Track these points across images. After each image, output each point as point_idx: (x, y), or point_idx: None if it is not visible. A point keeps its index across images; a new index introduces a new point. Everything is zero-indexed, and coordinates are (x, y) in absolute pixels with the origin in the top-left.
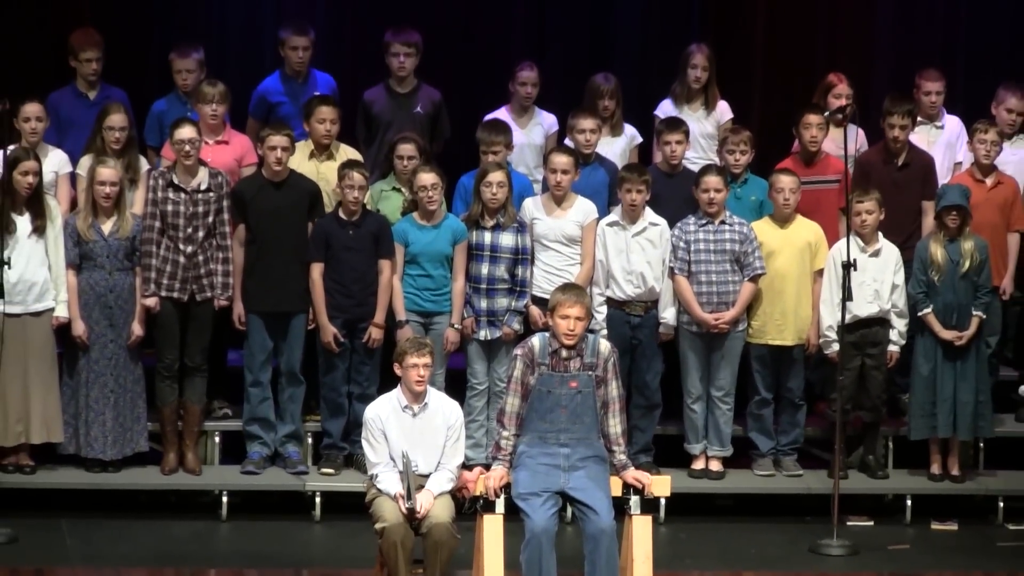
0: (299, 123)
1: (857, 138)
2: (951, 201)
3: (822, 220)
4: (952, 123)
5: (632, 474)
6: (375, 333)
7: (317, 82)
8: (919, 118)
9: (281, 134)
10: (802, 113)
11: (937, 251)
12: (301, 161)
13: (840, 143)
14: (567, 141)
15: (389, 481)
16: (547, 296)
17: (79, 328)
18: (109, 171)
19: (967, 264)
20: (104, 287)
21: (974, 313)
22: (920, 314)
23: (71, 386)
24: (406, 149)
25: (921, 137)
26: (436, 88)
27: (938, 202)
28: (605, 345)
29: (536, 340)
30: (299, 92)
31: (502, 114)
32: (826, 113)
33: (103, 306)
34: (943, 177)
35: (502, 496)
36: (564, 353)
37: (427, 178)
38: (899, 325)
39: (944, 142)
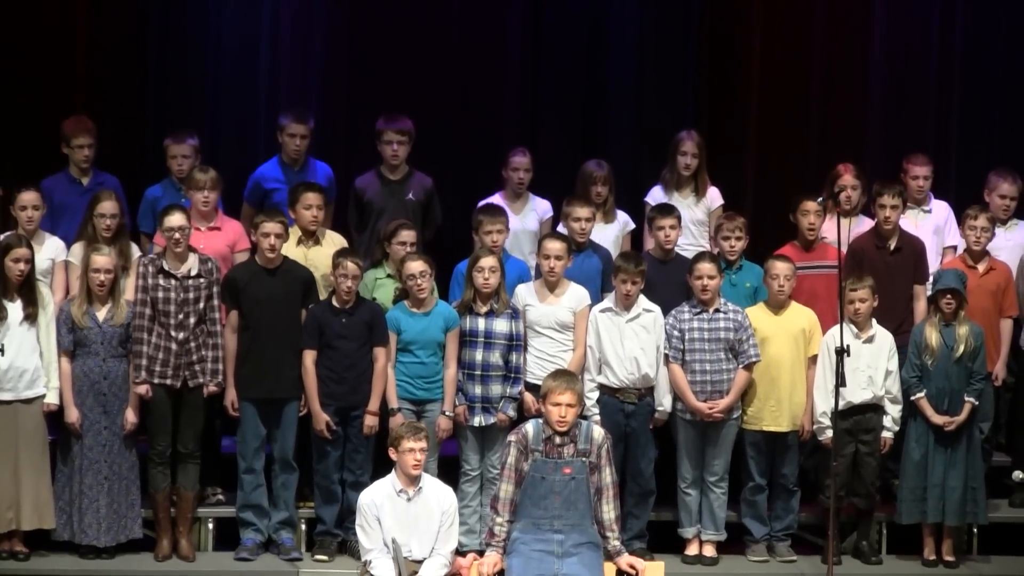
0: None
1: (850, 226)
2: (947, 285)
3: (822, 305)
4: (940, 208)
5: (626, 560)
6: (369, 421)
7: (315, 171)
8: (907, 203)
9: (275, 221)
10: (800, 200)
11: (932, 335)
12: (289, 247)
13: (847, 230)
14: (561, 228)
15: (383, 567)
16: (540, 382)
17: (72, 415)
18: (104, 259)
19: (961, 349)
20: (98, 374)
21: (966, 399)
22: (913, 398)
23: (65, 473)
24: (408, 236)
25: (909, 221)
26: (428, 175)
27: (934, 286)
28: (599, 432)
29: (530, 426)
30: (295, 179)
31: (496, 200)
32: (819, 200)
33: (97, 393)
34: (932, 262)
35: None
36: (558, 439)
37: (415, 266)
38: (893, 411)
39: (932, 226)
